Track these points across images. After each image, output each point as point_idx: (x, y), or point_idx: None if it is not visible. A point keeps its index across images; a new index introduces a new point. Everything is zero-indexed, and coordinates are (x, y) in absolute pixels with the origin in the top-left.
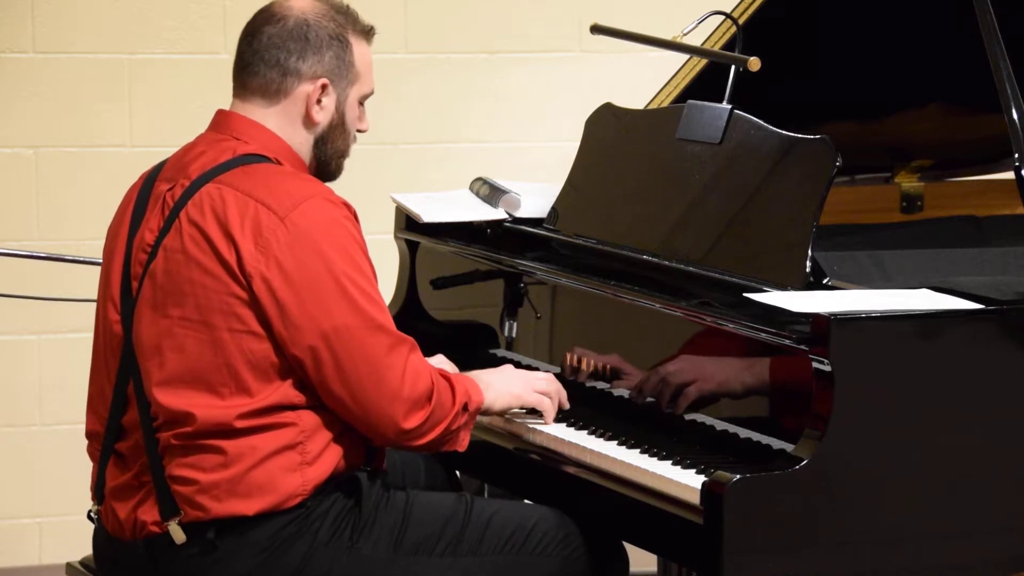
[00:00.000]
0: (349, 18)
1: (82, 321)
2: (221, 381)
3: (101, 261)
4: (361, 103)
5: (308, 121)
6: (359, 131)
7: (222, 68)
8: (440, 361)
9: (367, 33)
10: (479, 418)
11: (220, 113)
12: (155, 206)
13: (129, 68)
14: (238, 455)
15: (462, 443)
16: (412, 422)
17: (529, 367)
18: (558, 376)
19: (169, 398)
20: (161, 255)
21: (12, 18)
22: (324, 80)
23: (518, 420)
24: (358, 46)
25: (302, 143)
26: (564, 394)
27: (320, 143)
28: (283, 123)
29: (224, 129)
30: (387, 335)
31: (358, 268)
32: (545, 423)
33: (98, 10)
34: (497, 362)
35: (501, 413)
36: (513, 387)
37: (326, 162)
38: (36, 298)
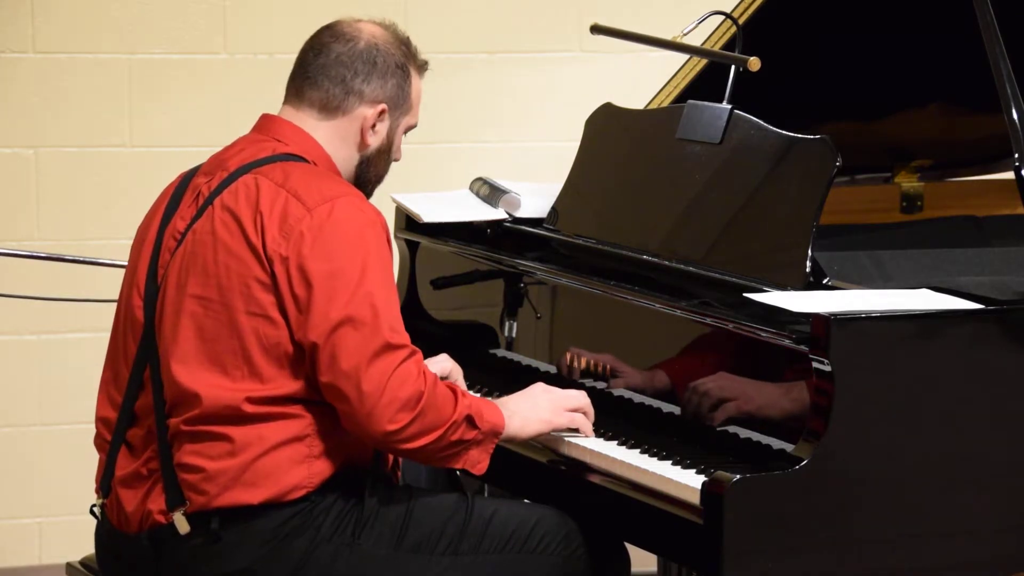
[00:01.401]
0: (412, 51)
1: (82, 321)
2: (234, 363)
3: (101, 261)
4: (404, 133)
5: (361, 143)
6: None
7: (222, 68)
8: (444, 360)
9: (422, 68)
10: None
11: (265, 117)
12: (190, 198)
13: (129, 68)
14: (245, 444)
15: (475, 464)
16: (395, 424)
17: (528, 367)
18: (557, 376)
19: (182, 375)
20: (190, 237)
21: (12, 18)
22: (383, 106)
23: (554, 434)
24: (415, 79)
25: (347, 160)
26: (592, 410)
27: (364, 164)
28: (333, 137)
29: (266, 131)
30: (392, 335)
31: (378, 268)
32: (585, 436)
33: (98, 10)
34: (497, 362)
35: (532, 439)
36: (542, 412)
37: (364, 184)
38: (36, 298)
